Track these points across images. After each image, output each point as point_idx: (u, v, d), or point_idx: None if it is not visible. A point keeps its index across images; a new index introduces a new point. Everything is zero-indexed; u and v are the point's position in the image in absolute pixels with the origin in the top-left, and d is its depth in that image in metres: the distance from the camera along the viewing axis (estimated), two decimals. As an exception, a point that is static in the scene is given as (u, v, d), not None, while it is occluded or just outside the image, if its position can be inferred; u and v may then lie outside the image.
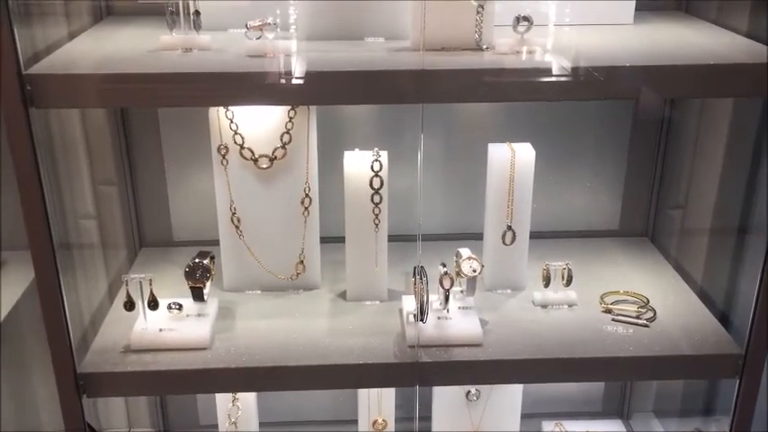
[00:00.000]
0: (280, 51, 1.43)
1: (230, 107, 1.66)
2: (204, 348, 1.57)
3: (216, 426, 1.98)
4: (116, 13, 1.78)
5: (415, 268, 1.58)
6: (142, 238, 2.00)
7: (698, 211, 1.92)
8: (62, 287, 1.41)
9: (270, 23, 1.43)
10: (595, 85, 1.36)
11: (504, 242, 1.75)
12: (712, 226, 1.87)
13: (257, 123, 1.68)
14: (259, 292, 1.79)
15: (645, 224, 2.07)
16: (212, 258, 1.68)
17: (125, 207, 1.95)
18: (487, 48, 1.45)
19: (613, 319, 1.67)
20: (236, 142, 1.68)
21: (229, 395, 1.92)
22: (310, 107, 1.67)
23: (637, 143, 1.98)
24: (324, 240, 1.79)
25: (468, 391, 1.92)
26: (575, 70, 1.37)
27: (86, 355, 1.56)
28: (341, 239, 1.73)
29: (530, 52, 1.43)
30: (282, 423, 2.18)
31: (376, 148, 1.67)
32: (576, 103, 1.91)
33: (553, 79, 1.38)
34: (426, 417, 1.97)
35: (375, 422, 1.97)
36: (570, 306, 1.72)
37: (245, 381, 1.56)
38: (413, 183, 1.81)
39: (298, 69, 1.37)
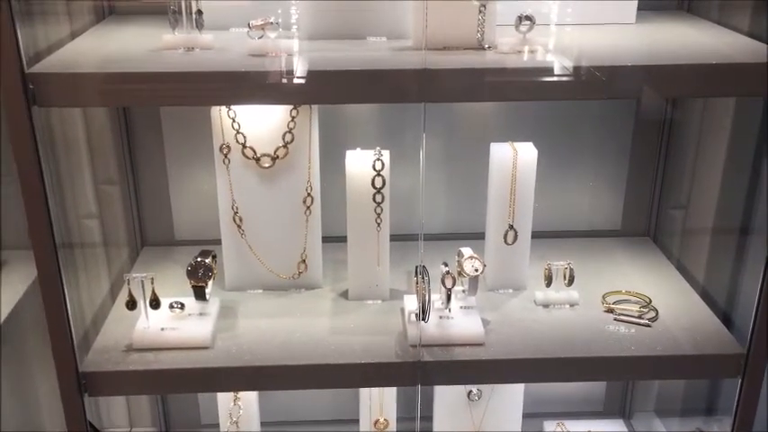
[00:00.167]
0: (282, 51, 1.43)
1: (232, 106, 1.66)
2: (206, 347, 1.57)
3: (217, 425, 1.98)
4: (118, 12, 1.78)
5: (416, 267, 1.58)
6: (144, 238, 2.00)
7: (700, 211, 1.92)
8: (64, 286, 1.41)
9: (272, 23, 1.43)
10: (597, 84, 1.36)
11: (505, 242, 1.75)
12: (714, 226, 1.87)
13: (259, 122, 1.68)
14: (261, 291, 1.79)
15: (647, 224, 2.07)
16: (214, 257, 1.68)
17: (127, 206, 1.95)
18: (489, 47, 1.45)
19: (615, 319, 1.66)
20: (238, 141, 1.68)
21: (231, 394, 1.92)
22: (312, 106, 1.67)
23: (639, 143, 1.98)
24: (325, 240, 1.79)
25: (470, 391, 1.92)
26: (577, 70, 1.37)
27: (88, 354, 1.56)
28: (343, 239, 1.73)
29: (532, 52, 1.43)
30: (284, 423, 2.18)
31: (378, 148, 1.67)
32: (577, 103, 1.90)
33: (555, 79, 1.38)
34: (428, 416, 1.96)
35: (377, 422, 1.97)
36: (572, 306, 1.72)
37: (246, 380, 1.57)
38: (415, 182, 1.81)
39: (300, 69, 1.37)
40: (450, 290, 1.59)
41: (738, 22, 1.64)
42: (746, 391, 1.55)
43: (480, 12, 1.44)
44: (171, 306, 1.62)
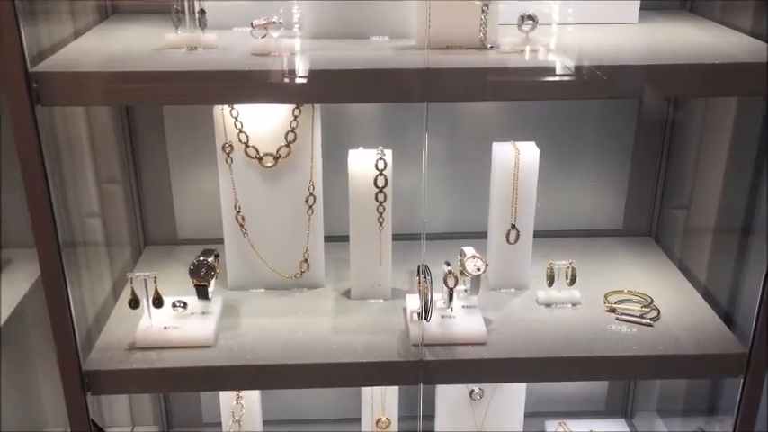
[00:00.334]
0: (285, 50, 1.43)
1: (235, 106, 1.66)
2: (208, 346, 1.58)
3: (219, 423, 1.98)
4: (121, 11, 1.79)
5: (419, 267, 1.58)
6: (146, 237, 2.01)
7: (702, 211, 1.92)
8: (68, 285, 1.42)
9: (275, 22, 1.43)
10: (600, 84, 1.36)
11: (508, 241, 1.75)
12: (716, 226, 1.87)
13: (262, 122, 1.68)
14: (263, 290, 1.80)
15: (649, 224, 2.07)
16: (217, 256, 1.68)
17: (129, 205, 1.95)
18: (492, 47, 1.45)
19: (617, 319, 1.67)
20: (240, 141, 1.68)
21: (233, 393, 1.92)
22: (315, 106, 1.67)
23: (641, 142, 1.98)
24: (328, 239, 1.79)
25: (472, 390, 1.92)
26: (579, 70, 1.38)
27: (91, 353, 1.56)
28: (345, 238, 1.73)
29: (534, 52, 1.43)
30: (286, 421, 2.19)
31: (380, 147, 1.67)
32: (579, 103, 1.90)
33: (557, 78, 1.38)
34: (429, 416, 1.97)
35: (378, 421, 1.98)
36: (574, 305, 1.72)
37: (249, 379, 1.57)
38: (417, 181, 1.80)
39: (302, 68, 1.37)
40: (452, 289, 1.59)
41: (741, 21, 1.64)
42: (748, 391, 1.55)
43: (483, 11, 1.44)
44: (174, 305, 1.62)
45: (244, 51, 1.44)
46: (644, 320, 1.65)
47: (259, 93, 1.38)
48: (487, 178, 1.77)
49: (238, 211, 1.73)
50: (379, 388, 1.95)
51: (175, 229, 2.01)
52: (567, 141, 1.96)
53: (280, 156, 1.70)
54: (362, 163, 1.66)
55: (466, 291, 1.66)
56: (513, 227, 1.74)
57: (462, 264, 1.63)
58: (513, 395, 1.95)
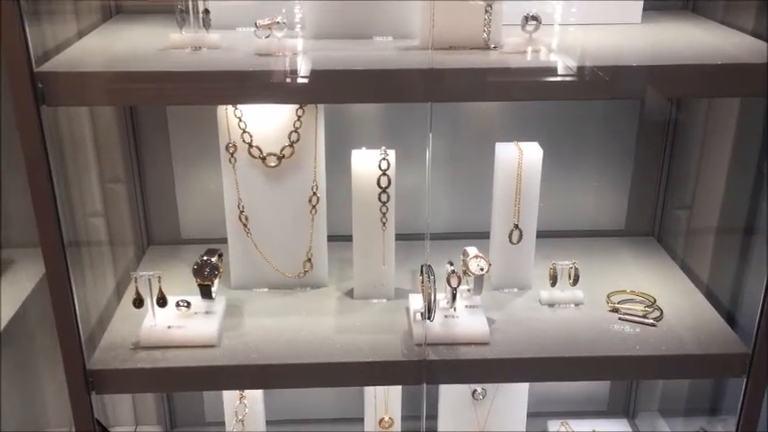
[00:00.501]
0: (288, 50, 1.43)
1: (239, 106, 1.66)
2: (212, 346, 1.58)
3: (222, 423, 1.98)
4: (125, 11, 1.79)
5: (422, 267, 1.58)
6: (150, 236, 2.01)
7: (704, 211, 1.92)
8: (72, 284, 1.42)
9: (279, 22, 1.43)
10: (603, 84, 1.37)
11: (510, 241, 1.76)
12: (719, 226, 1.87)
13: (265, 122, 1.68)
14: (266, 289, 1.80)
15: (651, 224, 2.07)
16: (220, 256, 1.68)
17: (133, 205, 1.96)
18: (495, 47, 1.46)
19: (620, 318, 1.67)
20: (244, 141, 1.69)
21: (236, 393, 1.92)
22: (318, 106, 1.68)
23: (643, 143, 1.99)
24: (331, 239, 1.79)
25: (474, 390, 1.92)
26: (582, 70, 1.38)
27: (95, 352, 1.56)
28: (348, 238, 1.73)
29: (538, 52, 1.43)
30: (289, 421, 2.19)
31: (383, 147, 1.67)
32: (582, 103, 1.91)
33: (561, 79, 1.38)
34: (432, 415, 1.97)
35: (381, 420, 1.98)
36: (577, 305, 1.73)
37: (252, 378, 1.57)
38: (420, 181, 1.81)
39: (306, 68, 1.37)
40: (455, 289, 1.59)
41: (743, 21, 1.64)
42: (751, 391, 1.55)
43: (486, 12, 1.44)
44: (177, 304, 1.62)
45: (248, 51, 1.44)
46: (647, 320, 1.65)
47: (263, 93, 1.38)
48: (490, 178, 1.77)
49: (242, 211, 1.74)
50: (381, 388, 1.95)
51: (179, 228, 2.02)
52: (569, 141, 1.96)
53: (283, 156, 1.70)
54: (366, 163, 1.66)
55: (469, 291, 1.66)
56: (516, 227, 1.75)
57: (465, 264, 1.63)
58: (516, 395, 1.95)
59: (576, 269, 1.70)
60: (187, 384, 1.60)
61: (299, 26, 1.53)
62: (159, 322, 1.60)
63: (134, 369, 1.53)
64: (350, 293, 1.78)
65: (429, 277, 1.54)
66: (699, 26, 1.71)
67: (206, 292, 1.65)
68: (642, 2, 1.69)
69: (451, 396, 1.94)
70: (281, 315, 1.70)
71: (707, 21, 1.75)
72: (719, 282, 1.83)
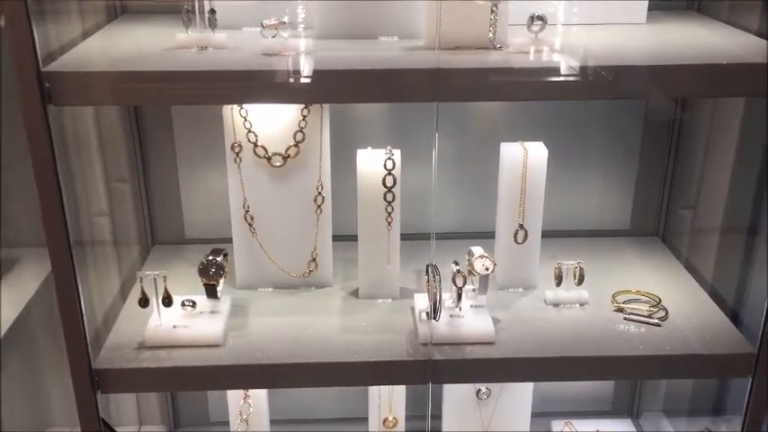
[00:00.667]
0: (295, 50, 1.43)
1: (244, 105, 1.66)
2: (218, 345, 1.58)
3: (226, 422, 1.98)
4: (130, 11, 1.79)
5: (427, 266, 1.58)
6: (154, 236, 2.01)
7: (709, 211, 1.92)
8: (78, 284, 1.42)
9: (285, 22, 1.43)
10: (609, 84, 1.37)
11: (515, 241, 1.76)
12: (723, 225, 1.87)
13: (271, 122, 1.68)
14: (271, 289, 1.80)
15: (656, 224, 2.07)
16: (225, 256, 1.68)
17: (138, 204, 1.96)
18: (501, 47, 1.46)
19: (625, 318, 1.67)
20: (249, 140, 1.69)
21: (241, 392, 1.92)
22: (323, 106, 1.68)
23: (648, 143, 1.99)
24: (336, 238, 1.79)
25: (479, 390, 1.92)
26: (588, 70, 1.38)
27: (101, 352, 1.57)
28: (353, 237, 1.73)
29: (544, 52, 1.43)
30: (293, 421, 2.19)
31: (389, 147, 1.67)
32: (587, 103, 1.91)
33: (567, 79, 1.38)
34: (436, 415, 1.97)
35: (385, 420, 1.98)
36: (582, 305, 1.73)
37: (258, 377, 1.57)
38: (425, 181, 1.80)
39: (313, 68, 1.38)
40: (461, 289, 1.59)
41: (748, 21, 1.64)
42: (757, 391, 1.55)
43: (492, 12, 1.44)
44: (183, 304, 1.62)
45: (254, 51, 1.44)
46: (652, 320, 1.65)
47: (269, 92, 1.38)
48: (495, 178, 1.77)
49: (247, 211, 1.74)
50: (386, 387, 1.95)
51: (183, 228, 2.02)
52: (574, 141, 1.96)
53: (288, 155, 1.70)
54: (371, 163, 1.67)
55: (474, 290, 1.66)
56: (521, 227, 1.75)
57: (471, 263, 1.63)
58: (520, 395, 1.95)
59: (582, 269, 1.70)
60: (192, 384, 1.60)
61: (301, 26, 1.53)
62: (165, 322, 1.60)
63: (139, 368, 1.53)
64: (355, 293, 1.78)
65: (435, 277, 1.54)
66: (704, 26, 1.71)
67: (211, 292, 1.65)
68: (647, 2, 1.69)
69: (456, 396, 1.94)
70: (286, 315, 1.70)
71: (712, 21, 1.75)
72: (724, 282, 1.83)
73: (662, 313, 1.68)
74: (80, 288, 1.43)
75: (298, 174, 1.72)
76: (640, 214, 2.06)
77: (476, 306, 1.65)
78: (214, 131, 1.74)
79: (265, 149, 1.70)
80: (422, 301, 1.65)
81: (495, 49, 1.46)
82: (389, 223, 1.69)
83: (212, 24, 1.48)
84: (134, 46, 1.52)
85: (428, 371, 1.55)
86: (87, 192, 1.91)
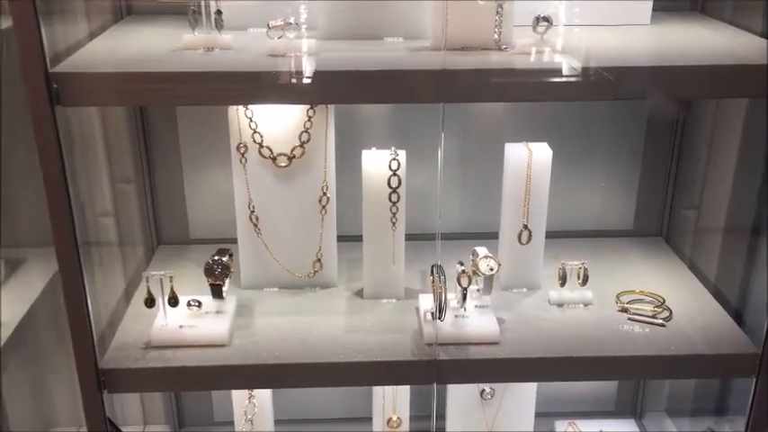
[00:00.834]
0: (300, 51, 1.44)
1: (250, 106, 1.67)
2: (223, 345, 1.58)
3: (230, 422, 1.99)
4: (136, 12, 1.80)
5: (432, 267, 1.58)
6: (159, 236, 2.02)
7: (712, 211, 1.92)
8: (85, 284, 1.43)
9: (291, 23, 1.44)
10: (615, 85, 1.37)
11: (520, 241, 1.76)
12: (727, 226, 1.88)
13: (276, 122, 1.69)
14: (276, 289, 1.81)
15: (659, 224, 2.08)
16: (231, 256, 1.69)
17: (143, 205, 1.96)
18: (507, 48, 1.46)
19: (630, 319, 1.67)
20: (255, 141, 1.69)
21: (245, 392, 1.93)
22: (329, 106, 1.68)
23: (652, 143, 1.99)
24: (341, 239, 1.80)
25: (483, 390, 1.93)
26: (594, 71, 1.38)
27: (107, 352, 1.57)
28: (358, 238, 1.74)
29: (549, 53, 1.44)
30: (297, 421, 2.19)
31: (393, 147, 1.68)
32: (591, 103, 1.91)
33: (573, 80, 1.39)
34: (440, 415, 1.97)
35: (390, 420, 1.98)
36: (586, 305, 1.73)
37: (263, 377, 1.58)
38: (429, 182, 1.82)
39: (319, 69, 1.38)
40: (465, 289, 1.60)
41: (752, 22, 1.65)
42: (761, 391, 1.55)
43: (498, 13, 1.45)
44: (188, 304, 1.63)
45: (260, 52, 1.44)
46: (656, 321, 1.66)
47: (275, 93, 1.38)
48: (500, 179, 1.78)
49: (252, 211, 1.74)
50: (390, 387, 1.95)
51: (188, 228, 2.02)
52: (577, 142, 1.96)
53: (294, 156, 1.71)
54: (376, 163, 1.67)
55: (478, 291, 1.67)
56: (526, 227, 1.75)
57: (475, 264, 1.63)
58: (524, 395, 1.96)
59: (586, 269, 1.71)
60: (198, 383, 1.61)
61: (304, 27, 1.54)
62: (170, 322, 1.61)
63: (146, 368, 1.53)
64: (359, 293, 1.79)
65: (440, 277, 1.55)
66: (707, 27, 1.72)
67: (217, 292, 1.66)
68: (651, 3, 1.70)
69: (460, 396, 1.95)
70: (291, 315, 1.71)
71: (715, 22, 1.76)
72: (728, 282, 1.83)
73: (666, 313, 1.69)
74: (87, 288, 1.44)
75: (303, 174, 1.72)
76: (644, 214, 2.07)
77: (480, 306, 1.66)
78: (219, 132, 1.75)
79: (271, 150, 1.70)
80: (426, 302, 1.66)
81: (500, 50, 1.46)
82: (394, 223, 1.70)
83: (219, 25, 1.49)
84: (141, 47, 1.53)
85: (433, 371, 1.55)
86: (92, 192, 1.91)
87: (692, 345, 1.59)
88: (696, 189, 1.98)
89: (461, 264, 1.61)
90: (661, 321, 1.66)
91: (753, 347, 1.58)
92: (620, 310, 1.71)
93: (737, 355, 1.58)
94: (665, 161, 2.01)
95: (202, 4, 1.47)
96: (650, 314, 1.68)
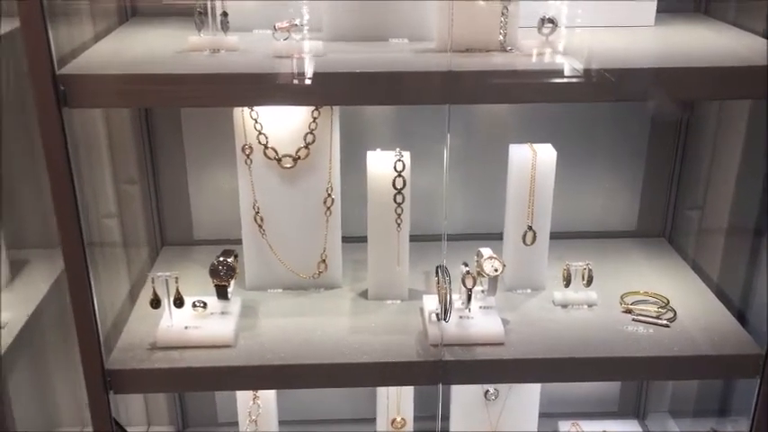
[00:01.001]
0: (306, 52, 1.44)
1: (255, 107, 1.67)
2: (229, 346, 1.59)
3: (234, 423, 1.99)
4: (140, 13, 1.80)
5: (437, 268, 1.59)
6: (163, 237, 2.02)
7: (716, 212, 1.93)
8: (92, 284, 1.43)
9: (297, 25, 1.44)
10: (620, 87, 1.38)
11: (524, 242, 1.76)
12: (730, 226, 1.88)
13: (281, 123, 1.69)
14: (281, 290, 1.81)
15: (662, 225, 2.08)
16: (236, 257, 1.69)
17: (147, 206, 1.97)
18: (512, 49, 1.46)
19: (634, 320, 1.67)
20: (260, 142, 1.69)
21: (250, 393, 1.93)
22: (333, 108, 1.69)
23: (655, 144, 2.00)
24: (345, 240, 1.80)
25: (487, 391, 1.93)
26: (599, 73, 1.38)
27: (113, 353, 1.57)
28: (362, 239, 1.74)
29: (555, 54, 1.44)
30: (301, 422, 2.19)
31: (398, 149, 1.68)
32: (594, 105, 1.92)
33: (578, 81, 1.39)
34: (445, 416, 1.97)
35: (394, 421, 1.99)
36: (590, 306, 1.73)
37: (269, 378, 1.58)
38: (434, 183, 1.82)
39: (324, 70, 1.38)
40: (470, 290, 1.60)
41: (755, 23, 1.65)
42: (764, 392, 1.55)
43: (503, 14, 1.45)
44: (194, 305, 1.63)
45: (266, 54, 1.45)
46: (661, 321, 1.66)
47: (281, 95, 1.39)
48: (504, 180, 1.78)
49: (257, 212, 1.75)
50: (394, 388, 1.96)
51: (192, 229, 2.03)
52: (581, 143, 1.97)
53: (299, 157, 1.71)
54: (381, 164, 1.67)
55: (483, 291, 1.67)
56: (530, 228, 1.75)
57: (480, 265, 1.64)
58: (528, 395, 1.96)
59: (590, 270, 1.71)
60: (204, 384, 1.61)
61: (306, 28, 1.54)
62: (176, 323, 1.61)
63: (151, 369, 1.53)
64: (364, 294, 1.79)
65: (445, 278, 1.55)
66: (711, 28, 1.72)
67: (222, 293, 1.66)
68: (655, 5, 1.70)
69: (464, 396, 1.95)
70: (295, 316, 1.71)
71: (719, 23, 1.76)
72: (731, 282, 1.83)
73: (670, 314, 1.69)
74: (94, 288, 1.44)
75: (308, 175, 1.73)
76: (647, 215, 2.07)
77: (485, 307, 1.66)
78: (223, 133, 1.75)
79: (276, 151, 1.70)
80: (431, 303, 1.66)
81: (505, 51, 1.46)
82: (399, 225, 1.70)
83: (224, 27, 1.49)
84: (146, 49, 1.53)
85: (439, 372, 1.55)
86: (96, 193, 1.91)
87: (695, 346, 1.60)
88: (699, 190, 1.98)
89: (466, 265, 1.61)
90: (665, 322, 1.66)
91: (756, 348, 1.58)
92: (624, 311, 1.71)
93: (741, 356, 1.58)
94: (669, 162, 2.01)
95: (208, 5, 1.47)
96: (654, 315, 1.68)
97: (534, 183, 1.72)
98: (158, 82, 1.32)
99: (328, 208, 1.75)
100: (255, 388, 1.87)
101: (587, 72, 1.39)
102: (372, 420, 2.02)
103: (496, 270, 1.62)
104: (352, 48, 1.52)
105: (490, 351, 1.57)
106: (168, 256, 1.97)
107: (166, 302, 1.61)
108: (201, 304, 1.63)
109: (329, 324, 1.68)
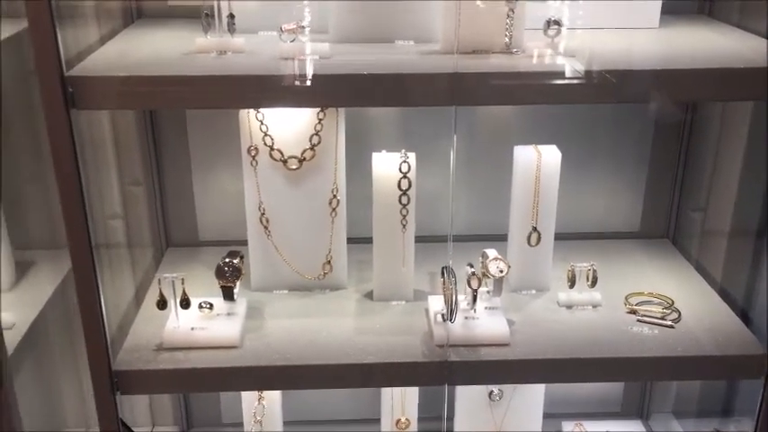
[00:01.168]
0: (312, 54, 1.44)
1: (261, 109, 1.67)
2: (235, 347, 1.59)
3: (238, 424, 1.99)
4: (146, 15, 1.80)
5: (443, 268, 1.59)
6: (168, 238, 2.02)
7: (719, 213, 1.93)
8: (99, 285, 1.43)
9: (304, 26, 1.45)
10: (625, 88, 1.38)
11: (529, 243, 1.77)
12: (733, 227, 1.88)
13: (287, 125, 1.70)
14: (286, 291, 1.81)
15: (666, 226, 2.09)
16: (242, 258, 1.69)
17: (152, 207, 1.97)
18: (518, 51, 1.47)
19: (639, 320, 1.68)
20: (265, 143, 1.70)
21: (255, 394, 1.93)
22: (339, 109, 1.69)
23: (659, 145, 2.00)
24: (351, 241, 1.81)
25: (491, 391, 1.93)
26: (604, 74, 1.39)
27: (119, 354, 1.58)
28: (367, 240, 1.74)
29: (560, 56, 1.45)
30: (306, 422, 2.20)
31: (404, 150, 1.69)
32: (598, 106, 1.92)
33: (584, 83, 1.39)
34: (449, 416, 1.98)
35: (398, 421, 1.99)
36: (595, 307, 1.74)
37: (275, 379, 1.58)
38: (439, 184, 1.83)
39: (330, 72, 1.38)
40: (476, 291, 1.61)
41: (759, 25, 1.65)
42: (769, 392, 1.57)
43: (509, 16, 1.45)
44: (200, 306, 1.64)
45: (272, 55, 1.45)
46: (666, 322, 1.67)
47: (288, 96, 1.39)
48: (509, 181, 1.79)
49: (263, 213, 1.75)
50: (398, 389, 1.96)
51: (197, 230, 2.03)
52: (585, 144, 1.97)
53: (304, 158, 1.72)
54: (386, 166, 1.68)
55: (488, 292, 1.68)
56: (535, 229, 1.76)
57: (485, 266, 1.64)
58: (532, 396, 1.96)
59: (595, 271, 1.72)
60: (210, 385, 1.61)
61: (307, 30, 1.54)
62: (182, 324, 1.61)
63: (158, 370, 1.54)
64: (369, 295, 1.79)
65: (450, 279, 1.56)
66: (715, 30, 1.73)
67: (228, 294, 1.66)
68: (660, 6, 1.71)
69: (468, 397, 1.95)
70: (301, 317, 1.72)
71: (723, 25, 1.77)
72: (734, 283, 1.84)
73: (675, 315, 1.70)
74: (101, 289, 1.44)
75: (313, 177, 1.73)
76: (650, 216, 2.08)
77: (490, 308, 1.66)
78: (228, 135, 1.76)
79: (281, 152, 1.71)
80: (436, 303, 1.66)
81: (511, 53, 1.47)
82: (404, 226, 1.71)
83: (231, 29, 1.49)
84: (153, 50, 1.53)
85: (445, 372, 1.56)
86: (102, 194, 1.92)
87: (700, 346, 1.60)
88: (703, 191, 1.98)
89: (471, 266, 1.62)
90: (670, 323, 1.66)
91: (761, 349, 1.59)
92: (628, 312, 1.71)
93: (746, 356, 1.59)
94: (672, 163, 2.02)
95: (215, 5, 1.47)
96: (659, 316, 1.69)
97: (539, 184, 1.73)
98: (166, 84, 1.33)
99: (334, 209, 1.75)
100: (261, 389, 1.87)
101: (592, 74, 1.39)
102: (377, 421, 2.03)
103: (501, 271, 1.63)
104: (357, 49, 1.53)
105: (495, 352, 1.58)
106: (173, 258, 1.97)
107: (173, 303, 1.61)
108: (208, 305, 1.64)
109: (334, 325, 1.68)
